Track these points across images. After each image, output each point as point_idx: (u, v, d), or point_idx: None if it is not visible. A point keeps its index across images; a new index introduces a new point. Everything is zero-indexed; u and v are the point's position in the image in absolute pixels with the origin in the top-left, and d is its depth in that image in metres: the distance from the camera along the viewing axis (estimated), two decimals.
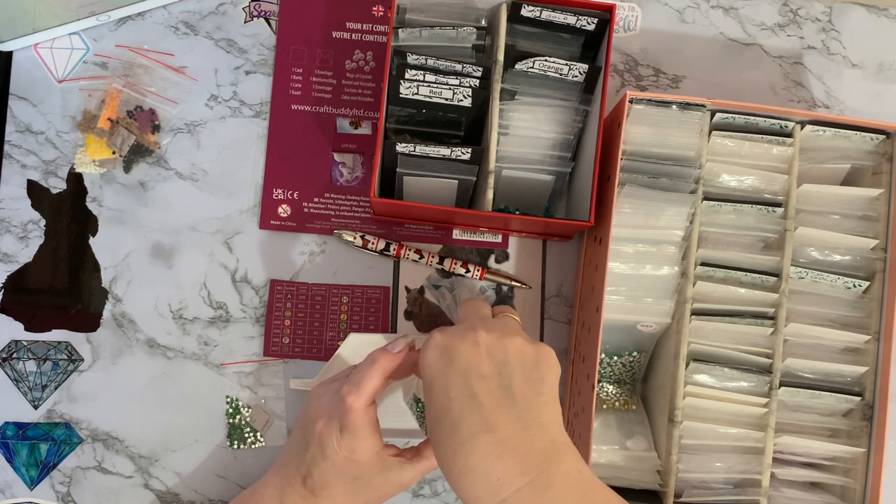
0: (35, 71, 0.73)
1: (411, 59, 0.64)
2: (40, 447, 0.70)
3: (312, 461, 0.58)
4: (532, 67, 0.65)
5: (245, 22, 0.74)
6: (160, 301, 0.72)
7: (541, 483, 0.48)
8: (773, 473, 0.64)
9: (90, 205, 0.72)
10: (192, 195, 0.73)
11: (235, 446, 0.71)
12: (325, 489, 0.58)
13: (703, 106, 0.64)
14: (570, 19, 0.65)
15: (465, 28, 0.65)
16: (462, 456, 0.49)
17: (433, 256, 0.72)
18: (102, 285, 0.71)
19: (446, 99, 0.65)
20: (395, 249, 0.72)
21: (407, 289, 0.73)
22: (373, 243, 0.71)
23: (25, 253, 0.71)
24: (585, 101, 0.66)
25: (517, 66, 0.65)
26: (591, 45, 0.68)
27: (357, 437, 0.57)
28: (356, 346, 0.66)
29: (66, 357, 0.71)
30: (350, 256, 0.73)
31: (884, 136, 0.66)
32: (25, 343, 0.71)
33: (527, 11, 0.65)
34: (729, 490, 0.64)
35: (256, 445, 0.71)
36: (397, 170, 0.65)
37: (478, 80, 0.65)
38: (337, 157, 0.74)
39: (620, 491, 0.65)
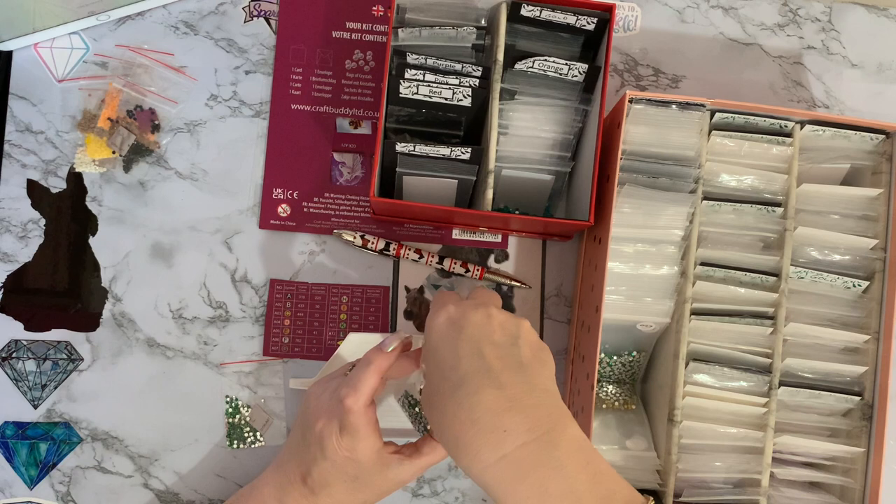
0: (35, 70, 0.73)
1: (411, 58, 0.64)
2: (40, 447, 0.70)
3: (312, 460, 0.58)
4: (532, 67, 0.65)
5: (245, 22, 0.74)
6: (160, 301, 0.72)
7: (548, 442, 0.48)
8: (772, 473, 0.64)
9: (90, 204, 0.72)
10: (191, 195, 0.73)
11: (235, 446, 0.71)
12: (324, 488, 0.58)
13: (702, 106, 0.64)
14: (570, 19, 0.65)
15: (465, 28, 0.65)
16: (466, 407, 0.49)
17: (433, 256, 0.72)
18: (102, 285, 0.72)
19: (446, 99, 0.65)
20: (394, 249, 0.72)
21: (407, 288, 0.73)
22: (372, 243, 0.71)
23: (25, 253, 0.71)
24: (585, 101, 0.66)
25: (517, 66, 0.65)
26: (591, 45, 0.68)
27: (357, 437, 0.57)
28: (356, 346, 0.66)
29: (65, 356, 0.71)
30: (350, 256, 0.73)
31: (883, 136, 0.66)
32: (25, 342, 0.71)
33: (526, 11, 0.65)
34: (728, 490, 0.64)
35: (256, 445, 0.71)
36: (397, 169, 0.65)
37: (477, 80, 0.65)
38: (337, 156, 0.74)
39: None
